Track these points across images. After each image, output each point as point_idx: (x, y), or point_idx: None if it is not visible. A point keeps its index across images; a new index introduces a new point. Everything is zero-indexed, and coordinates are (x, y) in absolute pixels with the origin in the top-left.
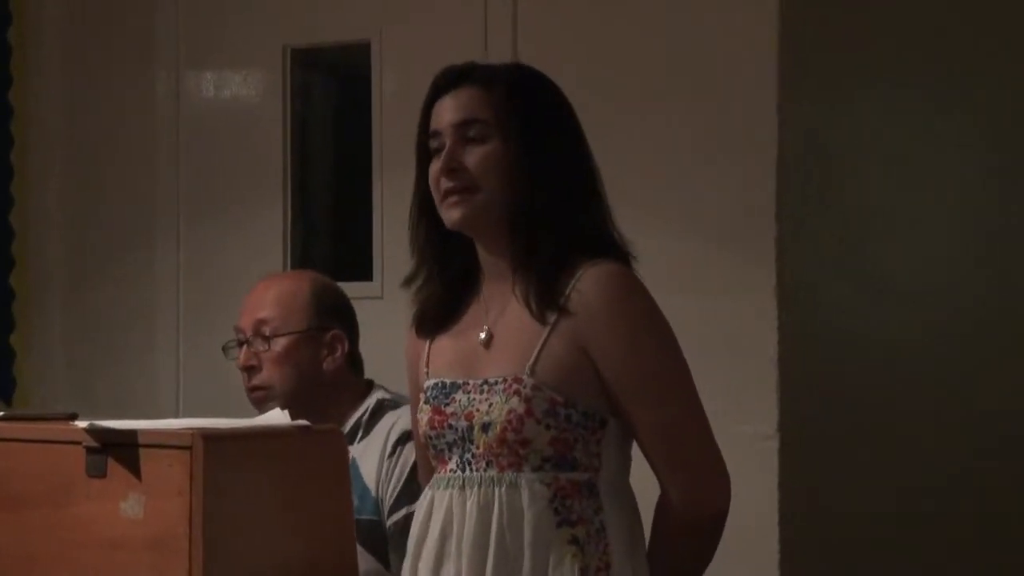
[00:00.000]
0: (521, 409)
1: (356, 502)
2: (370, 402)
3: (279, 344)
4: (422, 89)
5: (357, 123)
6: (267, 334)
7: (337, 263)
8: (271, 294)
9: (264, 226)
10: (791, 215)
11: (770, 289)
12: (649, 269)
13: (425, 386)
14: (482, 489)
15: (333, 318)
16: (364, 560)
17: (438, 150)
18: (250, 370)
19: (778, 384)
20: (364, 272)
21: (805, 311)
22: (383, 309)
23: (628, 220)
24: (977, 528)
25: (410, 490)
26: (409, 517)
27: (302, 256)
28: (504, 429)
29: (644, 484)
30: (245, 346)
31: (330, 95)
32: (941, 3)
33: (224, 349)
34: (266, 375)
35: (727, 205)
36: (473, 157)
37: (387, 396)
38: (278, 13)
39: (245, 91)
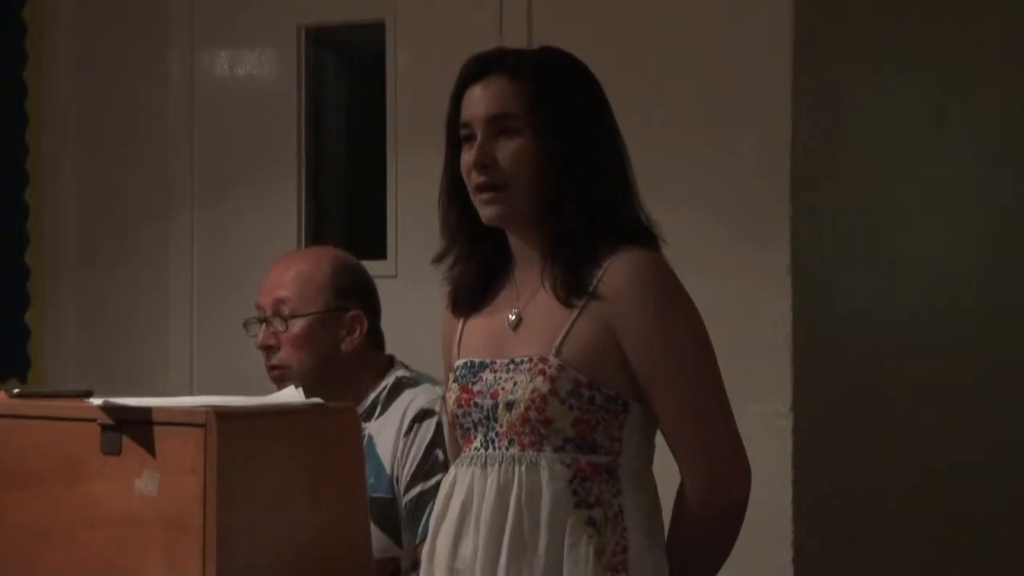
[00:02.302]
0: (545, 388)
1: (372, 479)
2: (389, 380)
3: (297, 325)
4: (436, 68)
5: (371, 102)
6: (285, 314)
7: (351, 242)
8: (290, 273)
9: (278, 205)
10: (805, 197)
11: (784, 270)
12: (664, 251)
13: (455, 366)
14: (502, 467)
15: (352, 298)
16: (376, 538)
17: (469, 139)
18: (268, 349)
19: (791, 364)
20: (378, 251)
21: (818, 292)
22: (397, 287)
23: (642, 202)
24: (991, 506)
25: (425, 468)
26: (422, 495)
27: (315, 235)
28: (527, 408)
29: (668, 474)
30: (264, 324)
31: (344, 74)
32: None
33: (245, 324)
34: (284, 355)
35: (741, 187)
36: (504, 152)
37: (407, 374)
38: None
39: (259, 70)
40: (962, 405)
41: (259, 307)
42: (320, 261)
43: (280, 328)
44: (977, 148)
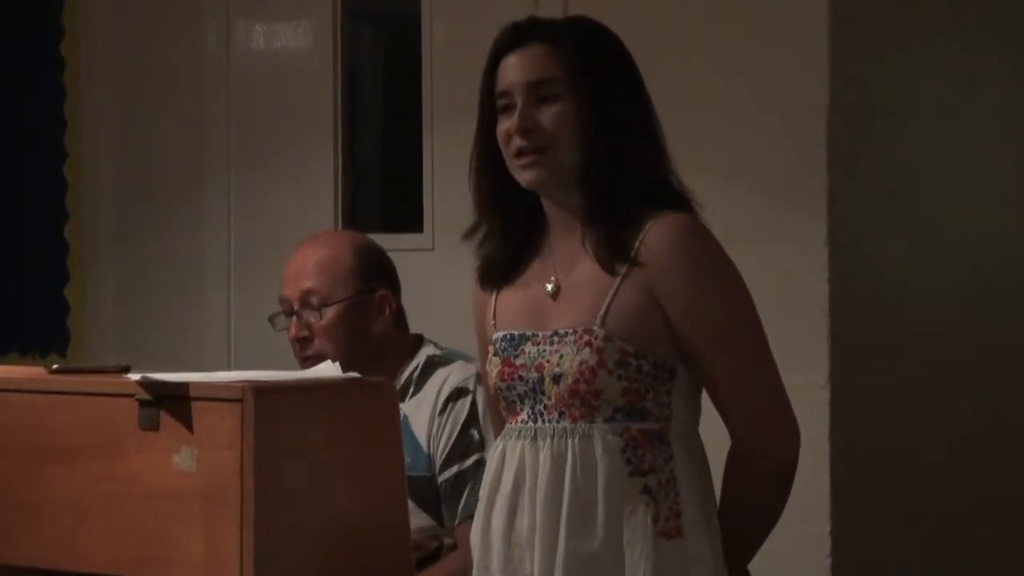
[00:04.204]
0: (593, 360)
1: (408, 459)
2: (420, 359)
3: (329, 313)
4: (472, 38)
5: (407, 73)
6: (316, 304)
7: (387, 214)
8: (313, 262)
9: (314, 177)
10: (842, 165)
11: (821, 239)
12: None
13: (493, 338)
14: (555, 440)
15: (377, 278)
16: (418, 517)
17: (506, 108)
18: (302, 341)
19: (829, 334)
20: (415, 224)
21: (856, 261)
22: (434, 261)
23: (679, 171)
24: None
25: (461, 447)
26: (460, 474)
27: (352, 207)
28: (576, 380)
29: (714, 438)
30: (294, 317)
31: (380, 44)
32: None
33: (271, 320)
34: (319, 345)
35: (778, 156)
36: (547, 117)
37: (437, 352)
38: None
39: (295, 41)
40: (1001, 374)
41: (285, 300)
42: (340, 246)
43: (313, 319)
44: (1015, 113)
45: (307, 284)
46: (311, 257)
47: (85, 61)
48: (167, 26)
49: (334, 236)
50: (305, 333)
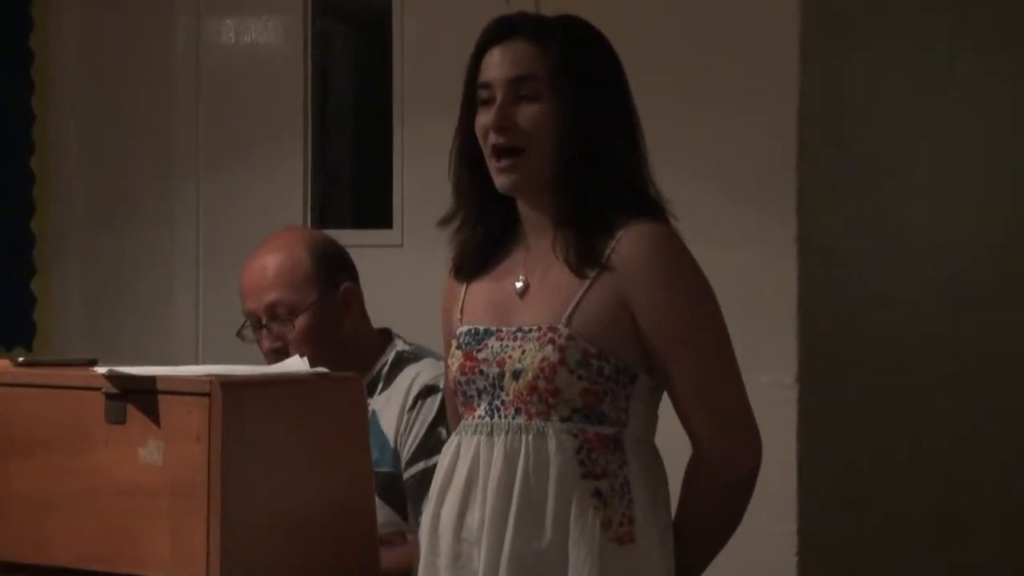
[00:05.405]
0: (555, 358)
1: (376, 454)
2: (389, 355)
3: (301, 321)
4: (443, 35)
5: (377, 69)
6: (284, 315)
7: (357, 211)
8: (271, 272)
9: (284, 173)
10: (812, 166)
11: (791, 240)
12: (672, 223)
13: (457, 332)
14: (509, 436)
15: (338, 272)
16: (382, 512)
17: (487, 101)
18: (277, 352)
19: (798, 334)
20: (384, 220)
21: (825, 262)
22: (403, 257)
23: (654, 176)
24: (998, 479)
25: (428, 444)
26: (426, 472)
27: (322, 204)
28: (536, 377)
29: (673, 447)
30: (264, 330)
31: (351, 41)
32: None
33: (240, 335)
34: (295, 352)
35: (748, 157)
36: (524, 116)
37: (406, 348)
38: None
39: (266, 37)
40: (969, 376)
41: (251, 314)
42: (293, 249)
43: (285, 330)
44: (986, 116)
45: (271, 297)
46: (268, 267)
47: (54, 54)
48: (137, 20)
49: (284, 240)
50: (279, 344)
